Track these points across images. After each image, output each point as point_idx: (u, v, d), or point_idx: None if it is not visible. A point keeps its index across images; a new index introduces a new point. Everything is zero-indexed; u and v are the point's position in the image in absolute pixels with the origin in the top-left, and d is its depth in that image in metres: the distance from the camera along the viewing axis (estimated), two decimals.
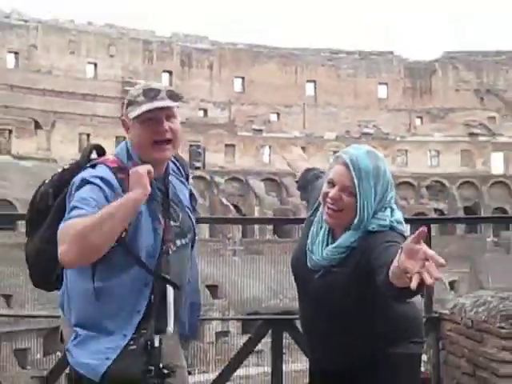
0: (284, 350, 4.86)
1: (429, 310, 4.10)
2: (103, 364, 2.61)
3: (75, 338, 2.74)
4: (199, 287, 3.17)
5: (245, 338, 6.24)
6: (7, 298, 38.51)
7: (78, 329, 2.75)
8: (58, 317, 3.03)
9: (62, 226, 2.54)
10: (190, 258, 2.99)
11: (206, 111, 66.63)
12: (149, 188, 2.61)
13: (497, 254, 55.45)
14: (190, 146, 62.70)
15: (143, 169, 2.66)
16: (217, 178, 62.25)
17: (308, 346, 3.33)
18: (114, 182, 2.70)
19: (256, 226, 54.08)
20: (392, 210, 3.00)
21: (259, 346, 4.24)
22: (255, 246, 48.01)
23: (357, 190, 2.90)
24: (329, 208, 2.93)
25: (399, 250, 2.44)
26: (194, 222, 3.03)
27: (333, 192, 2.90)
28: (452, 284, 49.87)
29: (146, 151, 2.80)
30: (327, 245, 3.00)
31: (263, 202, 60.28)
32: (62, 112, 58.92)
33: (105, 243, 2.53)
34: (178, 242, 2.89)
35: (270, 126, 67.61)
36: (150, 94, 2.77)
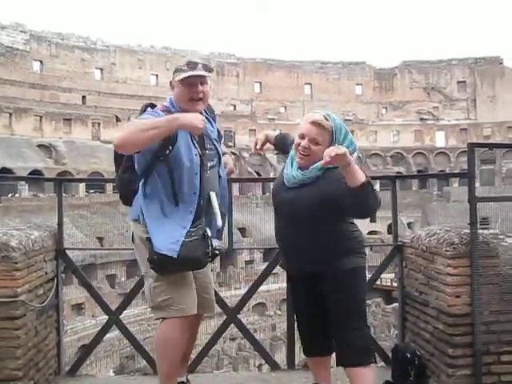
0: None
1: (395, 240, 4.08)
2: (177, 246, 2.68)
3: (152, 234, 2.75)
4: (226, 193, 3.18)
5: (265, 264, 6.24)
6: (100, 239, 38.87)
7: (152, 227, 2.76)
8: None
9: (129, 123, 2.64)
10: (218, 174, 3.02)
11: (235, 106, 66.30)
12: (200, 127, 2.67)
13: (440, 203, 55.34)
14: (224, 131, 62.56)
15: (202, 117, 2.73)
16: (243, 153, 62.22)
17: (282, 254, 3.31)
18: (162, 114, 2.78)
19: (271, 185, 54.38)
20: None
21: (275, 270, 4.23)
22: (271, 200, 48.01)
23: (335, 135, 2.88)
24: (301, 154, 2.94)
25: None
26: (220, 150, 3.05)
27: (304, 142, 2.91)
28: (409, 224, 49.84)
29: (185, 104, 2.89)
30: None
31: (276, 169, 60.23)
32: (134, 109, 58.80)
33: (144, 143, 2.59)
34: (209, 164, 2.91)
35: (279, 116, 67.31)
36: (191, 65, 2.87)
